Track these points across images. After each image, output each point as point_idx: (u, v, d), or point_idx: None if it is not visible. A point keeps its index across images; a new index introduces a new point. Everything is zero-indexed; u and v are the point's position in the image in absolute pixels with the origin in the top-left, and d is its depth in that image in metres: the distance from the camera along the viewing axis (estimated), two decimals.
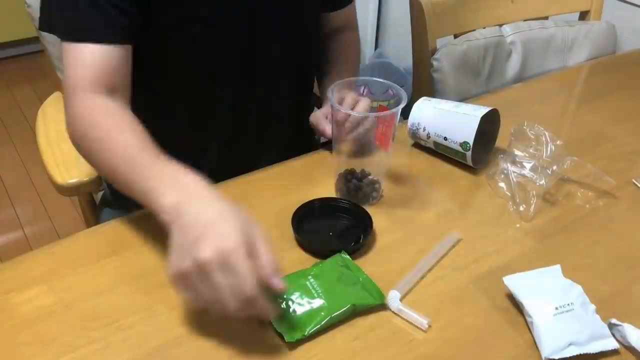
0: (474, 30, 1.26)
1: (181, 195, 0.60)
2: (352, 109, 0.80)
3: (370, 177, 0.80)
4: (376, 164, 0.81)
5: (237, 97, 0.90)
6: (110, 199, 1.04)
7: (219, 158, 0.95)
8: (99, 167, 0.74)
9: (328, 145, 0.96)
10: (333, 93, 0.74)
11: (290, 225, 0.73)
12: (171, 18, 0.80)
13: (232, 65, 0.87)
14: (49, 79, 2.55)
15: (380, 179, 0.81)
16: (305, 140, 1.10)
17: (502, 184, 0.84)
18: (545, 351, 0.59)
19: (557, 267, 0.68)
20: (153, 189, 0.62)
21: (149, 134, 0.72)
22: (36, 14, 1.01)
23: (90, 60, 0.74)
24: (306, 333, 0.60)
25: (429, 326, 0.62)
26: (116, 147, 0.69)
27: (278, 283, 0.56)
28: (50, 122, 1.05)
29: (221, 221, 0.57)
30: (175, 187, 0.61)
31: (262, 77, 0.91)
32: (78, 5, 0.74)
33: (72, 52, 0.74)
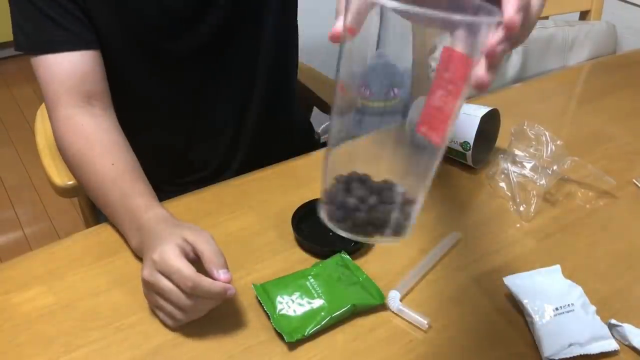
0: None
1: (141, 237, 0.67)
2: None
3: (398, 191, 0.47)
4: (413, 170, 0.49)
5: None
6: None
7: (214, 158, 0.95)
8: (80, 183, 0.77)
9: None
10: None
11: (290, 225, 0.73)
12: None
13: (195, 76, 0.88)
14: None
15: (419, 198, 0.48)
16: (305, 140, 1.11)
17: (502, 184, 0.84)
18: (545, 351, 0.59)
19: (557, 267, 0.68)
20: (123, 228, 0.71)
21: (129, 144, 0.77)
22: None
23: (58, 70, 0.75)
24: (306, 333, 0.60)
25: (429, 326, 0.62)
26: (91, 174, 0.73)
27: (221, 275, 0.59)
28: (49, 122, 1.05)
29: (156, 246, 0.61)
30: (137, 230, 0.68)
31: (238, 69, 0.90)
32: (34, 19, 0.75)
33: (40, 66, 0.76)
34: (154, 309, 0.63)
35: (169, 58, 0.84)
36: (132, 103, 0.86)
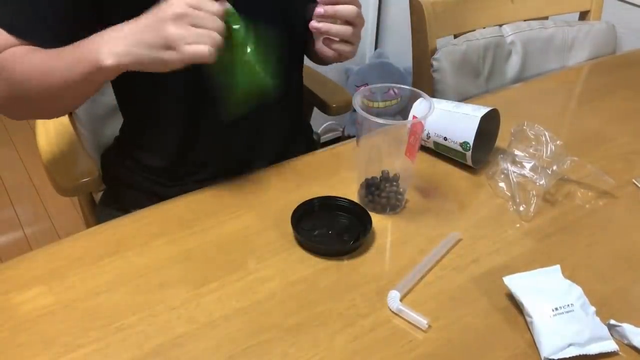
0: (474, 30, 1.26)
1: (108, 40, 0.70)
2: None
3: (394, 187, 0.78)
4: (402, 174, 0.79)
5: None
6: (110, 199, 1.04)
7: (214, 156, 0.94)
8: (32, 99, 0.77)
9: (327, 145, 0.96)
10: (356, 98, 0.74)
11: (290, 225, 0.73)
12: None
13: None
14: None
15: (405, 188, 0.80)
16: (305, 140, 1.10)
17: (502, 184, 0.84)
18: (544, 351, 0.59)
19: (556, 268, 0.68)
20: (87, 63, 0.70)
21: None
22: None
23: (4, 41, 0.76)
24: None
25: (429, 326, 0.62)
26: (25, 65, 0.74)
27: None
28: (50, 122, 1.05)
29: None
30: (97, 44, 0.70)
31: None
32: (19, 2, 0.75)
33: None
34: (186, 50, 0.66)
35: None
36: (148, 93, 0.86)
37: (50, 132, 1.02)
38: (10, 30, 0.75)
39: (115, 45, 0.69)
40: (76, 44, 0.73)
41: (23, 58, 0.75)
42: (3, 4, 0.76)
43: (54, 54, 0.74)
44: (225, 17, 0.70)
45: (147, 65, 0.70)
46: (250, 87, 0.75)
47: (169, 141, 0.92)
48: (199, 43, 0.67)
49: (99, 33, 0.72)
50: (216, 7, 0.69)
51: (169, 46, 0.67)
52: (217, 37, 0.68)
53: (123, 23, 0.71)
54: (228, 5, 0.71)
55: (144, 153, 0.96)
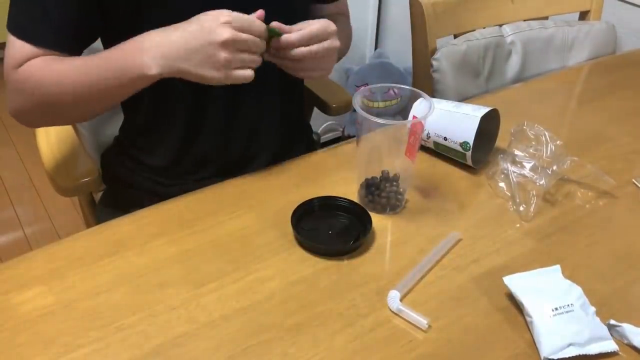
0: (474, 30, 1.26)
1: (149, 52, 0.73)
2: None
3: (394, 187, 0.79)
4: (402, 174, 0.79)
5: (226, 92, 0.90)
6: (110, 199, 1.04)
7: (214, 156, 0.94)
8: (62, 107, 0.80)
9: (327, 145, 0.96)
10: (356, 98, 0.74)
11: (290, 225, 0.73)
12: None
13: None
14: None
15: (405, 188, 0.80)
16: (305, 140, 1.10)
17: (502, 184, 0.84)
18: (544, 351, 0.59)
19: (556, 267, 0.68)
20: (131, 70, 0.74)
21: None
22: None
23: (22, 53, 0.78)
24: None
25: (429, 326, 0.62)
26: (58, 76, 0.77)
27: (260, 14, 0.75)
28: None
29: (200, 17, 0.72)
30: (141, 53, 0.73)
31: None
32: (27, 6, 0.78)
33: (11, 41, 0.79)
34: (230, 74, 0.72)
35: None
36: (151, 93, 0.86)
37: (50, 132, 1.02)
38: (27, 39, 0.77)
39: (161, 55, 0.72)
40: (112, 49, 0.76)
41: (51, 67, 0.78)
42: (17, 15, 0.78)
43: (87, 61, 0.77)
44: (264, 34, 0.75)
45: (189, 78, 0.74)
46: None
47: (170, 141, 0.93)
48: (245, 68, 0.73)
49: (138, 38, 0.74)
50: (262, 28, 0.74)
51: (216, 68, 0.72)
52: (259, 60, 0.75)
53: (165, 29, 0.74)
54: (268, 25, 0.76)
55: (144, 153, 0.96)
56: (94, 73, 0.76)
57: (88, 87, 0.77)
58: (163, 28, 0.74)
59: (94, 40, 0.85)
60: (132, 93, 0.79)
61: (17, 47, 0.78)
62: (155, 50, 0.73)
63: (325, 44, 0.78)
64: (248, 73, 0.73)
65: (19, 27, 0.78)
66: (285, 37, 0.76)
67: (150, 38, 0.74)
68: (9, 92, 0.82)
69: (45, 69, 0.78)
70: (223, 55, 0.71)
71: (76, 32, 0.81)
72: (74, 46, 0.81)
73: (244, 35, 0.71)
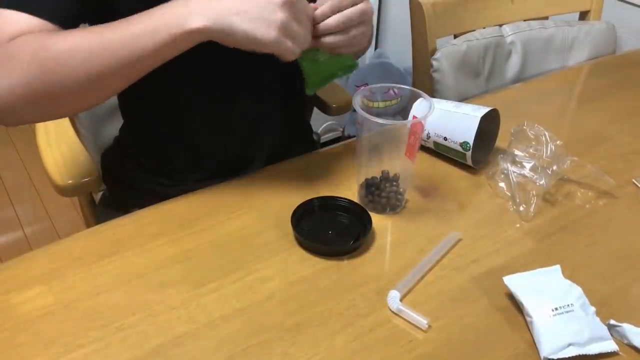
0: (474, 30, 1.26)
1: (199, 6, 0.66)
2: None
3: (394, 187, 0.78)
4: (402, 174, 0.79)
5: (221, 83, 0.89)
6: (110, 199, 1.04)
7: (214, 155, 0.94)
8: (69, 85, 0.66)
9: (327, 145, 0.96)
10: (356, 98, 0.74)
11: (290, 225, 0.73)
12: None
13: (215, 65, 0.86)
14: None
15: (405, 188, 0.80)
16: (304, 140, 1.10)
17: (502, 184, 0.84)
18: (543, 351, 0.59)
19: (557, 267, 0.68)
20: (170, 26, 0.65)
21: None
22: None
23: (14, 23, 0.67)
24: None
25: (429, 326, 0.62)
26: (84, 43, 0.65)
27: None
28: (50, 122, 1.05)
29: None
30: (185, 6, 0.66)
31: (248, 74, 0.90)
32: None
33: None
34: (282, 39, 0.66)
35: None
36: (149, 92, 0.85)
37: (50, 132, 1.02)
38: (23, 7, 0.67)
39: (209, 9, 0.65)
40: (142, 13, 0.67)
41: (57, 36, 0.66)
42: None
43: (104, 29, 0.66)
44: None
45: (236, 38, 0.66)
46: (333, 68, 0.80)
47: (169, 141, 0.93)
48: (295, 42, 0.68)
49: (174, 1, 0.67)
50: (311, 9, 0.71)
51: (272, 28, 0.66)
52: (309, 41, 0.70)
53: None
54: None
55: (144, 153, 0.96)
56: (118, 36, 0.65)
57: (110, 52, 0.65)
58: None
59: (87, 20, 0.76)
60: (164, 61, 0.68)
61: (7, 19, 0.66)
62: (203, 6, 0.65)
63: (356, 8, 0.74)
64: (296, 49, 0.68)
65: None
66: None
67: None
68: None
69: (49, 38, 0.65)
70: (280, 15, 0.65)
71: (75, 4, 0.72)
72: (74, 21, 0.72)
73: (301, 4, 0.68)
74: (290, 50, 0.68)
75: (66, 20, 0.70)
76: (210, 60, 0.84)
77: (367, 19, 0.76)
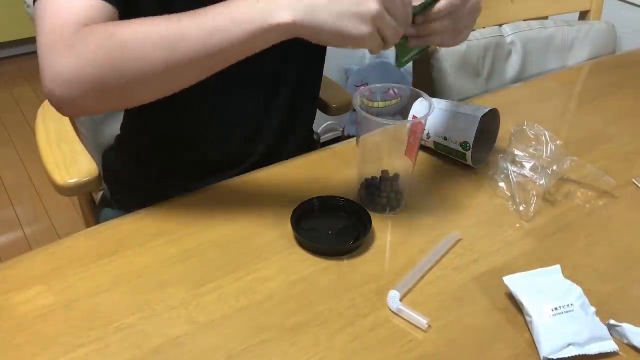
0: (474, 30, 1.26)
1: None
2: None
3: (394, 187, 0.78)
4: (402, 174, 0.79)
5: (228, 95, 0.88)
6: (110, 199, 1.04)
7: (215, 155, 0.94)
8: (142, 77, 0.64)
9: (327, 145, 0.96)
10: (356, 99, 0.74)
11: (290, 225, 0.73)
12: None
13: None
14: None
15: (405, 188, 0.80)
16: (305, 140, 1.10)
17: (502, 184, 0.84)
18: (543, 351, 0.59)
19: (557, 267, 0.68)
20: (254, 19, 0.61)
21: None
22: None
23: (78, 8, 0.65)
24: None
25: (429, 326, 0.62)
26: (156, 30, 0.63)
27: None
28: (50, 122, 1.05)
29: None
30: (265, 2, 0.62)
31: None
32: None
33: (54, 5, 0.65)
34: (374, 36, 0.62)
35: None
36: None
37: (50, 132, 1.02)
38: None
39: (296, 2, 0.61)
40: (217, 6, 0.63)
41: (133, 24, 0.64)
42: None
43: (178, 18, 0.63)
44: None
45: (325, 35, 0.62)
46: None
47: (171, 140, 0.93)
48: (387, 37, 0.64)
49: None
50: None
51: (364, 21, 0.61)
52: (400, 35, 0.65)
53: None
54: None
55: (144, 152, 0.96)
56: (194, 26, 0.62)
57: (185, 44, 0.62)
58: None
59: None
60: (245, 56, 0.65)
61: (70, 5, 0.64)
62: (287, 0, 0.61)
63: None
64: (385, 45, 0.64)
65: None
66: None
67: None
68: (57, 52, 0.63)
69: (118, 26, 0.63)
70: (374, 6, 0.61)
71: None
72: (120, 3, 0.69)
73: None
74: (380, 46, 0.65)
75: (117, 0, 0.68)
76: None
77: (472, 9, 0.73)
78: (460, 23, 0.73)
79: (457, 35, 0.75)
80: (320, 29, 0.61)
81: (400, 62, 0.77)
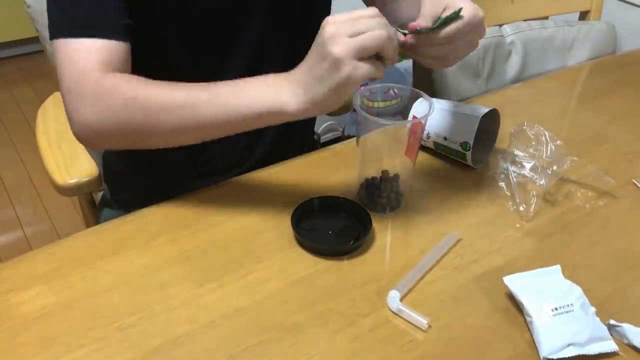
0: None
1: (283, 87, 0.67)
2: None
3: (394, 187, 0.78)
4: (402, 174, 0.79)
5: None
6: (110, 199, 1.04)
7: (214, 155, 0.94)
8: (161, 135, 0.72)
9: (327, 145, 0.96)
10: (357, 98, 0.73)
11: (290, 225, 0.73)
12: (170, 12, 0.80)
13: (236, 61, 0.87)
14: (49, 79, 2.54)
15: (405, 188, 0.80)
16: (305, 140, 1.10)
17: (502, 184, 0.84)
18: (543, 351, 0.59)
19: (557, 267, 0.68)
20: (261, 105, 0.68)
21: None
22: (36, 14, 1.01)
23: (95, 51, 0.71)
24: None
25: (429, 326, 0.62)
26: (160, 111, 0.70)
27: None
28: (50, 122, 1.05)
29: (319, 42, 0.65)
30: (272, 91, 0.68)
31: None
32: (78, 2, 0.72)
33: (72, 47, 0.71)
34: (348, 65, 0.62)
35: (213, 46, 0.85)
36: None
37: (50, 132, 1.02)
38: (94, 32, 0.71)
39: (295, 87, 0.67)
40: (230, 83, 0.70)
41: (149, 91, 0.71)
42: (70, 15, 0.72)
43: (195, 89, 0.70)
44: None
45: (325, 103, 0.66)
46: None
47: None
48: (369, 42, 0.62)
49: (257, 78, 0.69)
50: (372, 11, 0.64)
51: (335, 65, 0.63)
52: (384, 35, 0.63)
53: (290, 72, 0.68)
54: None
55: (144, 152, 0.95)
56: (209, 104, 0.69)
57: (202, 116, 0.70)
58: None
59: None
60: (250, 129, 0.72)
61: (84, 48, 0.70)
62: (289, 84, 0.67)
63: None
64: (372, 67, 0.63)
65: (78, 26, 0.71)
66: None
67: (270, 77, 0.69)
68: (82, 100, 0.70)
69: (142, 88, 0.70)
70: (334, 47, 0.62)
71: (127, 17, 0.75)
72: (130, 32, 0.75)
73: (352, 21, 0.63)
74: (367, 70, 0.64)
75: (126, 33, 0.74)
76: (227, 64, 0.85)
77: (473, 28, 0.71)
78: (458, 52, 0.72)
79: (447, 62, 0.74)
80: (321, 104, 0.66)
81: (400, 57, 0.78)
